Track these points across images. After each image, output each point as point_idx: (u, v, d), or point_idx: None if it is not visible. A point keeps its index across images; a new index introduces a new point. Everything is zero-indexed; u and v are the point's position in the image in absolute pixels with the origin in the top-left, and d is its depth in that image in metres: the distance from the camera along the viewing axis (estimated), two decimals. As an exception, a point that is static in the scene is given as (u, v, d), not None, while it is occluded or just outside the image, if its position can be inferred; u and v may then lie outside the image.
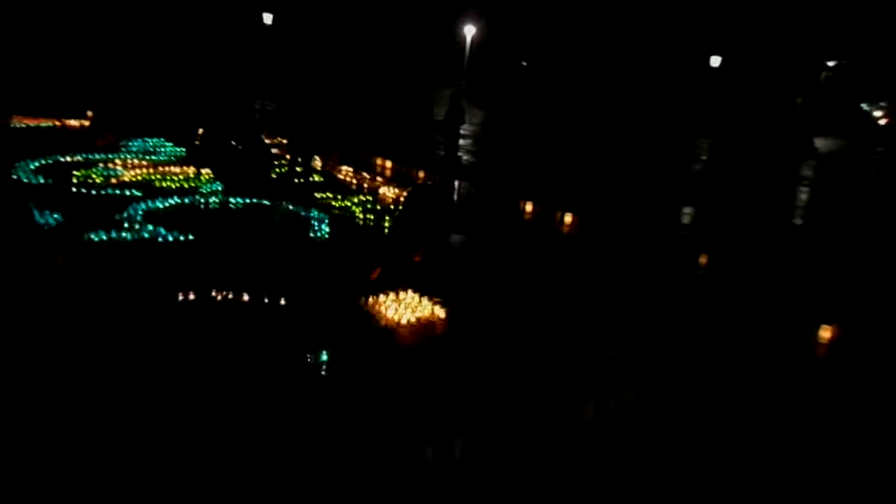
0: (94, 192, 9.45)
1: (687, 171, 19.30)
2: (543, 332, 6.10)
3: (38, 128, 14.04)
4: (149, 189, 9.87)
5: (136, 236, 7.72)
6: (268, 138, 13.85)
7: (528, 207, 11.01)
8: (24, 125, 14.04)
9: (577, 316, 6.54)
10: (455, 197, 11.87)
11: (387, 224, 9.26)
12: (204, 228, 8.11)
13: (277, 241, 8.04)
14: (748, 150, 22.84)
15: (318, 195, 10.48)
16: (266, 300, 6.17)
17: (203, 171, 10.61)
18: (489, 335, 5.98)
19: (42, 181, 9.71)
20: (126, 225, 8.03)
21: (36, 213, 7.95)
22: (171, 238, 7.73)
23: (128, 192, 9.52)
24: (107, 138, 12.08)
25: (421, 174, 13.19)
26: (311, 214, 9.26)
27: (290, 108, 12.64)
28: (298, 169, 11.58)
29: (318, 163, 12.71)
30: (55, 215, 8.05)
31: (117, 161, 11.38)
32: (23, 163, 10.38)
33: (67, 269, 5.63)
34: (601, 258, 8.74)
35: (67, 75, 16.74)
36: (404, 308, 6.31)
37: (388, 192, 11.29)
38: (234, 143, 10.73)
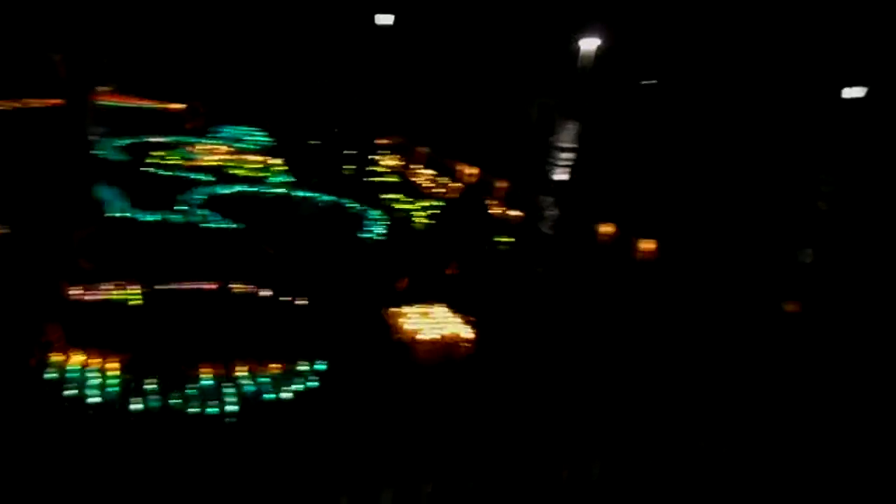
0: (163, 172, 9.55)
1: (810, 208, 17.54)
2: (573, 372, 5.41)
3: (139, 108, 14.60)
4: (219, 174, 9.89)
5: (187, 219, 7.65)
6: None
7: (606, 230, 10.19)
8: (131, 105, 14.66)
9: (614, 356, 5.77)
10: (534, 212, 11.22)
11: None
12: (257, 218, 7.92)
13: (323, 238, 7.73)
14: (871, 191, 20.55)
15: (384, 196, 10.15)
16: (284, 297, 5.84)
17: (274, 161, 10.54)
18: (512, 367, 5.36)
19: (120, 159, 9.96)
20: (184, 207, 7.99)
21: (101, 189, 8.11)
22: (221, 225, 7.60)
23: (196, 176, 9.56)
24: (196, 122, 12.33)
25: (503, 184, 12.63)
26: (369, 214, 8.94)
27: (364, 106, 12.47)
28: (368, 167, 11.32)
29: (396, 161, 12.45)
30: (116, 190, 8.16)
31: (200, 145, 11.56)
32: (110, 140, 10.70)
33: (83, 245, 5.55)
34: (671, 292, 7.85)
35: (176, 62, 17.40)
36: (427, 323, 5.79)
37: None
38: (312, 137, 10.65)
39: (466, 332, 5.75)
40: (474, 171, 13.40)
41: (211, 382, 4.40)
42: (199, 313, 5.38)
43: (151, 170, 9.60)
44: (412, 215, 9.43)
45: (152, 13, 18.73)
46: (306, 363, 4.80)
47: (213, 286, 5.87)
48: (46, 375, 4.23)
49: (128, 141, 10.95)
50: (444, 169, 12.93)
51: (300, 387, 4.55)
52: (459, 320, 5.94)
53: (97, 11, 15.92)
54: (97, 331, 4.76)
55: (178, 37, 17.58)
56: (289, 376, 4.63)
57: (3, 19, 12.61)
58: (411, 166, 12.49)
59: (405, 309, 5.95)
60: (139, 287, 5.54)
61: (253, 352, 4.81)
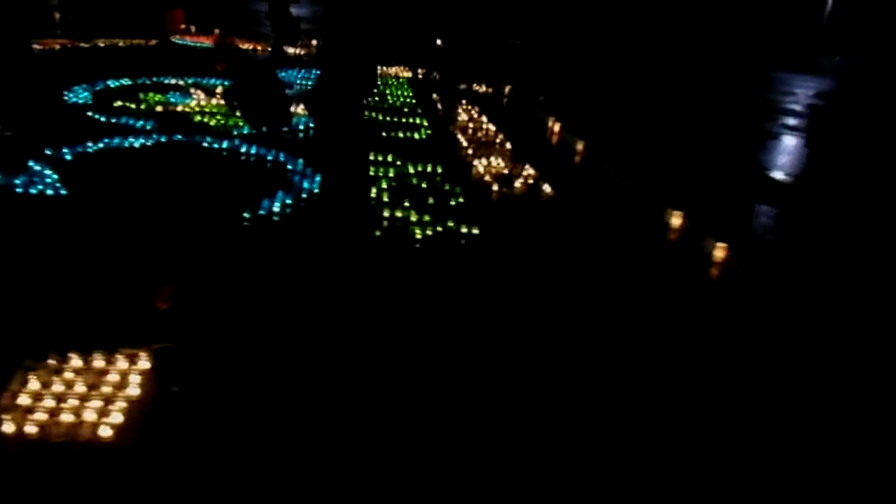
0: (104, 118, 7.80)
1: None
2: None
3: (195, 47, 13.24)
4: (173, 123, 7.86)
5: (7, 181, 5.71)
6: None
7: (676, 222, 6.49)
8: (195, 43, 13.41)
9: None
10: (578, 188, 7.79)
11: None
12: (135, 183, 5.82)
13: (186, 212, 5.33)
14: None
15: (380, 157, 7.47)
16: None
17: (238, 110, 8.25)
18: None
19: (83, 102, 8.47)
20: (37, 167, 6.09)
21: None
22: (47, 193, 5.59)
23: (142, 124, 7.67)
24: (229, 63, 10.47)
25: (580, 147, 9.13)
26: (302, 182, 6.34)
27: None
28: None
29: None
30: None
31: (215, 88, 9.68)
32: (100, 84, 9.28)
33: None
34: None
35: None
36: (68, 392, 3.19)
37: (483, 167, 7.71)
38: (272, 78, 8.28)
39: (106, 425, 3.05)
40: (557, 128, 10.07)
41: None
42: None
43: (97, 115, 7.89)
44: (409, 181, 6.81)
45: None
46: None
47: None
48: None
49: (119, 83, 9.46)
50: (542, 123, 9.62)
51: None
52: (133, 393, 3.25)
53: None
54: None
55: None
56: None
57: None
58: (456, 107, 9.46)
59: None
60: None
61: None
